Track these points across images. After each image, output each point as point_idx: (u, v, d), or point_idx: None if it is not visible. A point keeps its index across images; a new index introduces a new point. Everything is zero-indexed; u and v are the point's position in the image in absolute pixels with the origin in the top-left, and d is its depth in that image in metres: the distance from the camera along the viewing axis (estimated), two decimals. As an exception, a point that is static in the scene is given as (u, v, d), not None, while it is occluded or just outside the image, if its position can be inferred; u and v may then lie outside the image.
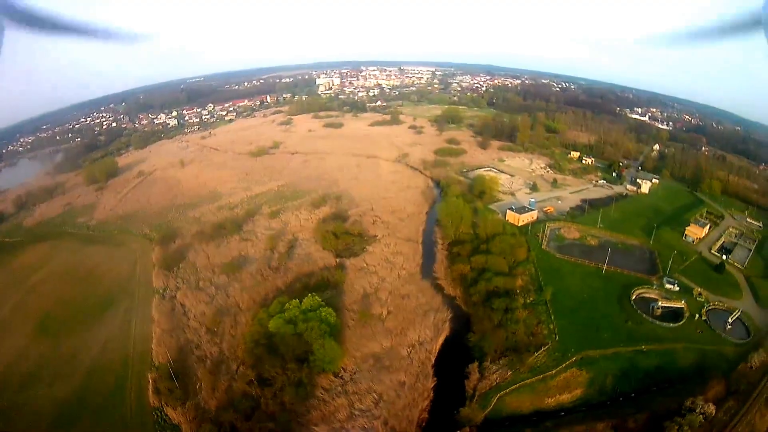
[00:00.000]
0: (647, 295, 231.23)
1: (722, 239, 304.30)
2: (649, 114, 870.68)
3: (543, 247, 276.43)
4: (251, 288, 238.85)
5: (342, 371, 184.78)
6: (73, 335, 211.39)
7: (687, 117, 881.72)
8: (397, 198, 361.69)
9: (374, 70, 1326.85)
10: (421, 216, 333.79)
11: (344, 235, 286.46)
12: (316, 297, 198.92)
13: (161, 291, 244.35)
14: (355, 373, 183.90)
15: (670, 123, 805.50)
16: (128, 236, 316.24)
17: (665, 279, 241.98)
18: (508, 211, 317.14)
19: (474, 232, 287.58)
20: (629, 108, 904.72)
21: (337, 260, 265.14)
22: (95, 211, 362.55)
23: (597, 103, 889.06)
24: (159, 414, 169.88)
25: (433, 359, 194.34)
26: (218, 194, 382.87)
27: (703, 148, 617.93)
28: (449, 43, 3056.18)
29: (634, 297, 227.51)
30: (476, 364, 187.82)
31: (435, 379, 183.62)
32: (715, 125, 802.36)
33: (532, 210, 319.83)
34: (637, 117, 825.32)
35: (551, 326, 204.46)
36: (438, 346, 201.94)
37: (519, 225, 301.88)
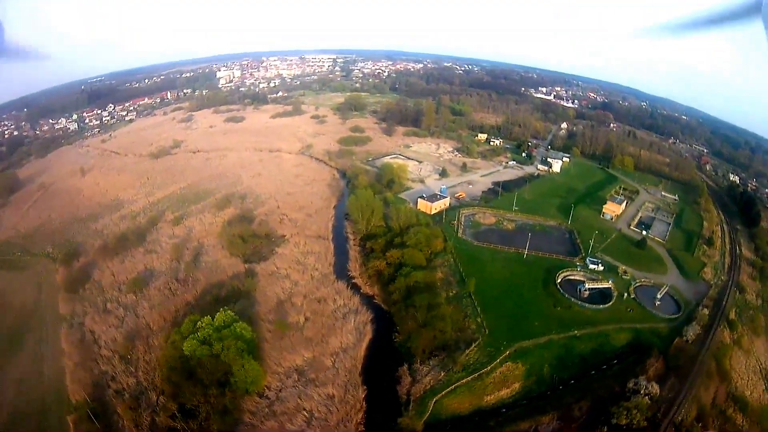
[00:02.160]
0: (573, 278, 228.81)
1: (640, 214, 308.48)
2: (554, 93, 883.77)
3: (459, 235, 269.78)
4: (160, 305, 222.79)
5: (266, 390, 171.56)
6: None
7: (592, 95, 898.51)
8: (303, 193, 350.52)
9: (275, 61, 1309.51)
10: (330, 210, 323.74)
11: (251, 237, 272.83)
12: (229, 311, 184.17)
13: (69, 318, 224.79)
14: (280, 391, 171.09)
15: (576, 101, 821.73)
16: (31, 258, 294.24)
17: (588, 259, 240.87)
18: (419, 199, 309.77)
19: (386, 224, 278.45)
20: (534, 88, 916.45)
21: (246, 266, 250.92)
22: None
23: (501, 84, 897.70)
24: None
25: (359, 366, 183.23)
26: (120, 202, 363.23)
27: (612, 125, 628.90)
28: (349, 30, 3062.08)
29: (559, 280, 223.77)
30: (406, 366, 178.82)
31: (365, 387, 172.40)
32: (621, 102, 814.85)
33: (444, 197, 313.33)
34: (543, 96, 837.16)
35: (479, 320, 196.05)
36: (363, 352, 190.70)
37: (432, 213, 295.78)
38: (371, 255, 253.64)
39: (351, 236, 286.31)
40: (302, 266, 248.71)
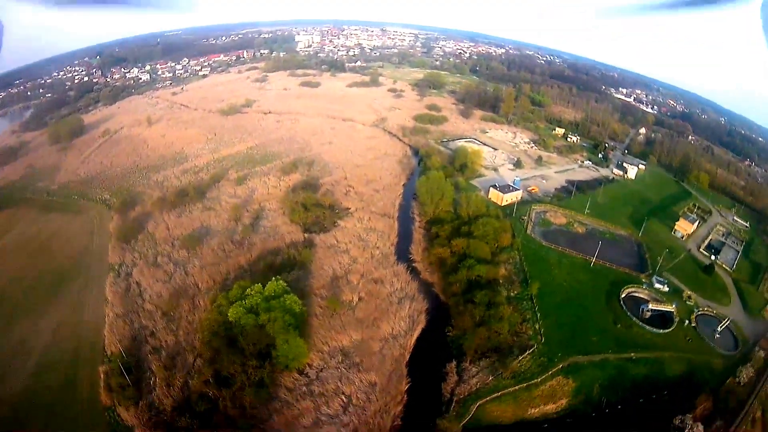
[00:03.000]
0: (637, 295, 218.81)
1: (710, 237, 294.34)
2: (634, 96, 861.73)
3: (528, 232, 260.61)
4: (212, 265, 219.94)
5: (307, 368, 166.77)
6: (25, 318, 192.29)
7: (672, 102, 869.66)
8: (373, 167, 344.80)
9: (356, 30, 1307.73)
10: (398, 188, 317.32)
11: (314, 207, 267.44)
12: (281, 281, 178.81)
13: (117, 267, 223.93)
14: (321, 371, 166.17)
15: (655, 107, 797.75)
16: (88, 203, 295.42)
17: (655, 278, 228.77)
18: (491, 188, 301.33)
19: (455, 210, 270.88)
20: (614, 87, 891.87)
21: (306, 235, 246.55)
22: (57, 174, 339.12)
23: (582, 79, 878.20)
24: (111, 414, 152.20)
25: (407, 356, 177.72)
26: (184, 156, 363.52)
27: (690, 137, 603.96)
28: (433, 6, 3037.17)
29: (623, 296, 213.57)
30: (454, 364, 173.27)
31: (409, 379, 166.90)
32: (699, 114, 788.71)
33: (516, 189, 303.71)
34: (622, 98, 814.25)
35: (537, 326, 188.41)
36: (413, 341, 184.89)
37: (503, 205, 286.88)
38: (435, 240, 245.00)
39: (417, 218, 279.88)
40: (363, 243, 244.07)
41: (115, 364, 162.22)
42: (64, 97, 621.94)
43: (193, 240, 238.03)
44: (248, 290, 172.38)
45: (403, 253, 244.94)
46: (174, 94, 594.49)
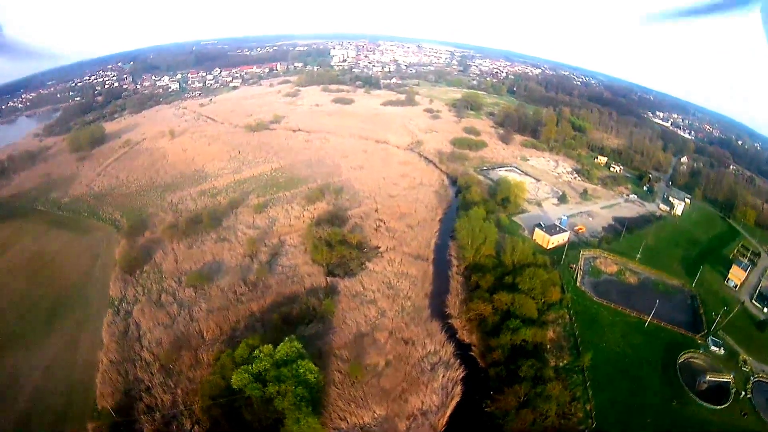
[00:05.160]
0: (693, 361, 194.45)
1: (761, 284, 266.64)
2: (672, 120, 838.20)
3: (578, 284, 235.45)
4: (220, 310, 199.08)
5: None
6: (18, 350, 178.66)
7: (707, 127, 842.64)
8: (407, 198, 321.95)
9: (392, 45, 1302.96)
10: (434, 224, 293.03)
11: (340, 244, 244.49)
12: (295, 343, 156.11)
13: (117, 303, 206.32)
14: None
15: (692, 132, 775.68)
16: (96, 222, 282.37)
17: (710, 339, 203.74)
18: (536, 229, 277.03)
19: (497, 255, 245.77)
20: (651, 111, 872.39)
21: (328, 279, 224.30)
22: (71, 186, 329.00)
23: (621, 102, 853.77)
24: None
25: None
26: (203, 175, 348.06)
27: (731, 167, 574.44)
28: (467, 24, 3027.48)
29: (680, 361, 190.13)
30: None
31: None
32: (735, 140, 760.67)
33: (563, 230, 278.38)
34: (660, 122, 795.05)
35: (588, 407, 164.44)
36: (446, 420, 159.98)
37: (548, 248, 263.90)
38: (475, 292, 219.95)
39: (455, 261, 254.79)
40: (393, 292, 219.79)
41: (106, 419, 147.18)
42: (92, 101, 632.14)
43: (202, 277, 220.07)
44: (257, 351, 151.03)
45: (437, 305, 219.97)
46: (202, 105, 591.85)
